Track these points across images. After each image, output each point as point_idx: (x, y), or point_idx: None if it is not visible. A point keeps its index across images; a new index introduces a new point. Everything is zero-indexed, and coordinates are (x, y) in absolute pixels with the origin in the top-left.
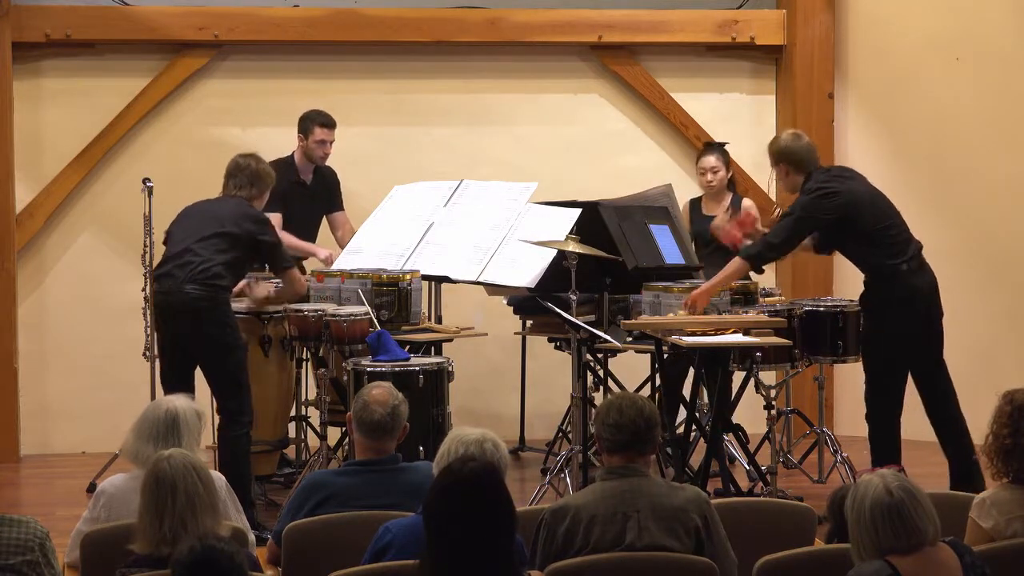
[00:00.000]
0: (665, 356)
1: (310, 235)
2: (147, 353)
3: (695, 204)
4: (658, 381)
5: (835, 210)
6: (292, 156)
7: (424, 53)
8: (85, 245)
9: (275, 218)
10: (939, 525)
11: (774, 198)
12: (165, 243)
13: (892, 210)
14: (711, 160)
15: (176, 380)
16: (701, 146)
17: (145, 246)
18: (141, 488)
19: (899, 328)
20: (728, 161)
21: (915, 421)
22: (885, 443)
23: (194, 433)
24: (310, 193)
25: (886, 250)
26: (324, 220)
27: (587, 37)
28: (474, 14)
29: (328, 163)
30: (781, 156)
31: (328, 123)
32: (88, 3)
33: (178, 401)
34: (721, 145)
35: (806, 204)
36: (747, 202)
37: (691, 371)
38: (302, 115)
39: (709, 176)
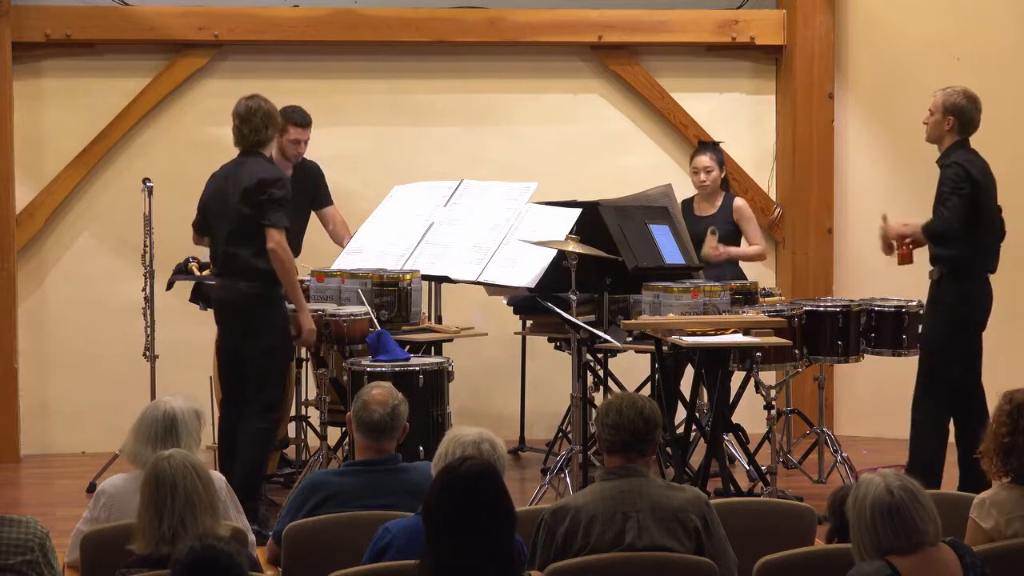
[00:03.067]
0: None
1: (295, 232)
2: (147, 353)
3: (687, 205)
4: (658, 381)
5: (969, 184)
6: (269, 156)
7: (424, 53)
8: (85, 245)
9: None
10: (940, 525)
11: (774, 198)
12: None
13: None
14: (704, 160)
15: (233, 379)
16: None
17: (145, 246)
18: (141, 488)
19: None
20: (722, 160)
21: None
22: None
23: (193, 434)
24: (292, 188)
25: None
26: (314, 216)
27: (587, 37)
28: (474, 14)
29: (328, 162)
30: (954, 110)
31: (302, 122)
32: (88, 3)
33: (176, 402)
34: (715, 144)
35: (946, 180)
36: (739, 201)
37: (688, 370)
38: (279, 111)
39: (702, 176)
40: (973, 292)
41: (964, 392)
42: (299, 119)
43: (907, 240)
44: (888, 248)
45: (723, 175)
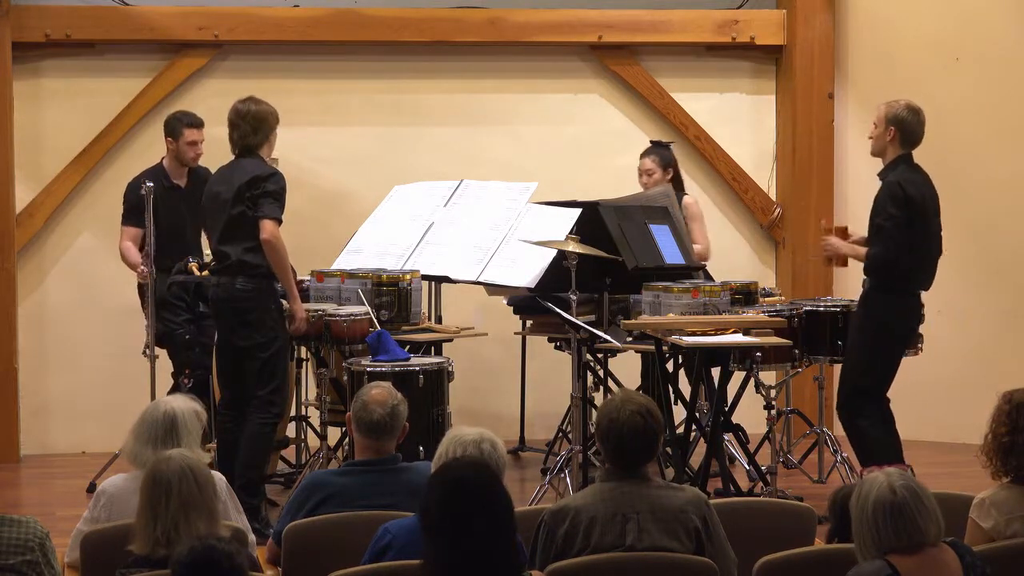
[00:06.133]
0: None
1: (192, 240)
2: (147, 351)
3: None
4: (658, 381)
5: (902, 206)
6: (160, 163)
7: (424, 53)
8: (85, 245)
9: (133, 232)
10: (943, 525)
11: (774, 198)
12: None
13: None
14: (646, 162)
15: (232, 377)
16: (700, 145)
17: (145, 246)
18: (140, 488)
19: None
20: (668, 162)
21: (915, 421)
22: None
23: (194, 434)
24: (184, 197)
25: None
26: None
27: (587, 37)
28: (474, 14)
29: (328, 162)
30: (895, 122)
31: (196, 123)
32: (88, 3)
33: (176, 402)
34: (663, 145)
35: (880, 206)
36: (688, 199)
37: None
38: (167, 118)
39: (644, 178)
40: (900, 308)
41: (871, 400)
42: (192, 120)
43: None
44: (842, 262)
45: (669, 176)
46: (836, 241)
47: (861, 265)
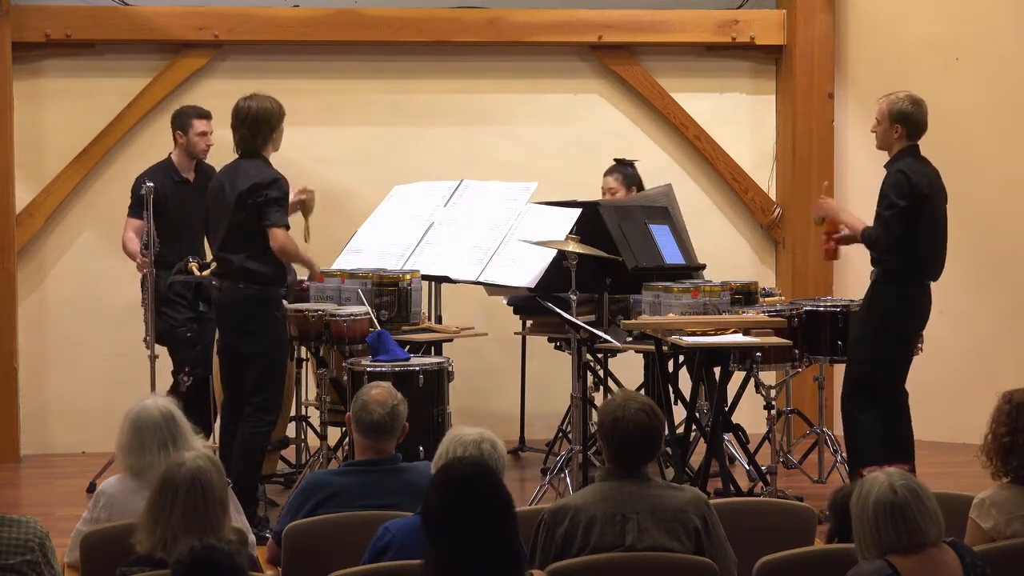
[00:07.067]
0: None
1: (200, 235)
2: (146, 339)
3: None
4: (658, 381)
5: (908, 196)
6: (169, 158)
7: (424, 53)
8: (85, 245)
9: (137, 225)
10: (943, 525)
11: (774, 198)
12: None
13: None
14: (609, 181)
15: (233, 379)
16: (700, 145)
17: (145, 246)
18: (153, 486)
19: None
20: (632, 180)
21: (915, 421)
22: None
23: (188, 427)
24: (194, 190)
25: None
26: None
27: (587, 37)
28: (474, 14)
29: (328, 162)
30: (900, 118)
31: (205, 114)
32: (88, 3)
33: (161, 400)
34: (626, 163)
35: (885, 193)
36: None
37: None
38: (174, 113)
39: (607, 196)
40: (907, 299)
41: (882, 400)
42: (201, 112)
43: (837, 235)
44: (833, 254)
45: (631, 194)
46: (831, 201)
47: (861, 265)
